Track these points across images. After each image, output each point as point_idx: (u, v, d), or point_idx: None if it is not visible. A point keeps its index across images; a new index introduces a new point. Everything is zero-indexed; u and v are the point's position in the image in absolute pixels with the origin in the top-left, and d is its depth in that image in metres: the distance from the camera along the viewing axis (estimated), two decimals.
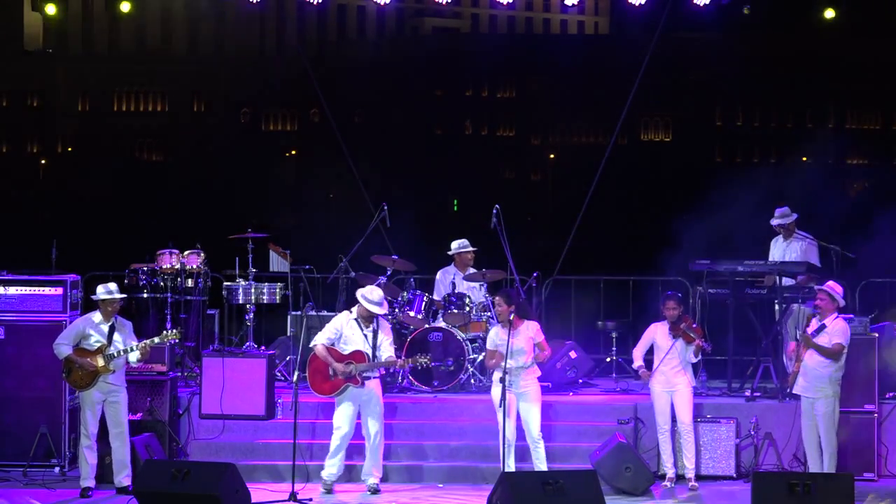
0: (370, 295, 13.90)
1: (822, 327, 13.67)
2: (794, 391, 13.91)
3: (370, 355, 13.78)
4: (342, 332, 13.88)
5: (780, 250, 16.15)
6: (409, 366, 14.72)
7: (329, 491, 13.86)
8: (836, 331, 13.66)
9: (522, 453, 13.96)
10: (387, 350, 13.89)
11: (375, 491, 13.84)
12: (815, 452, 13.80)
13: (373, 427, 13.86)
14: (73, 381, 13.82)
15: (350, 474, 14.22)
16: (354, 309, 13.96)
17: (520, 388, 13.65)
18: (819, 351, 13.60)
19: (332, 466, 13.91)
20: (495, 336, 13.81)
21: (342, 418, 13.86)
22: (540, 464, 13.72)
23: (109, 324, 13.81)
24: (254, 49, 74.82)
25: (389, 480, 14.48)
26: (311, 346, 14.04)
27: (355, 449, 14.19)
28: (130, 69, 72.20)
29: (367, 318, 13.88)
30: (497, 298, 13.90)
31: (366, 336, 13.82)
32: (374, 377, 13.91)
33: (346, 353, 13.80)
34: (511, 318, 13.53)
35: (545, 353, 13.82)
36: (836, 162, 63.32)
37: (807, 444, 13.88)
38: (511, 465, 13.63)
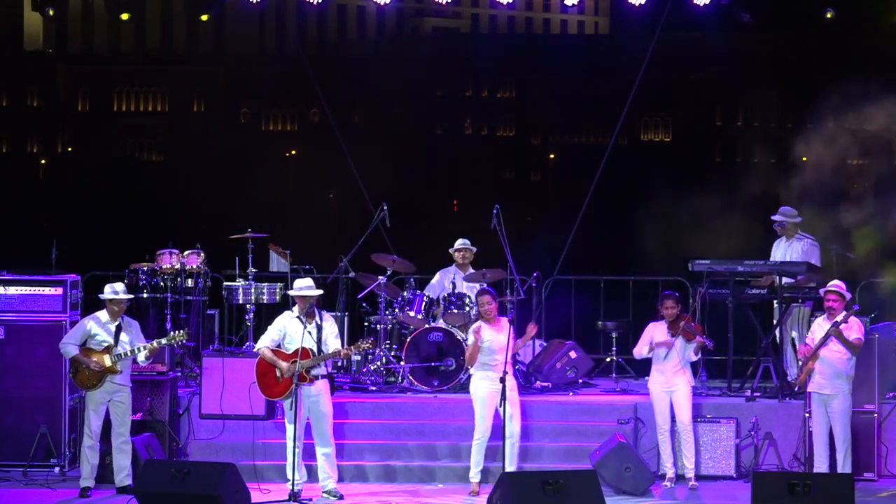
0: (299, 283, 13.80)
1: (835, 324, 13.67)
2: (808, 389, 13.89)
3: (315, 351, 13.58)
4: (286, 331, 13.69)
5: (782, 251, 16.15)
6: (354, 353, 14.47)
7: (296, 498, 13.45)
8: (854, 327, 13.72)
9: (494, 452, 13.85)
10: (333, 343, 13.65)
11: (339, 496, 13.64)
12: (824, 451, 13.80)
13: (321, 430, 13.66)
14: (79, 382, 13.83)
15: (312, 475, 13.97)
16: (296, 308, 13.80)
17: (510, 384, 13.66)
18: (846, 345, 13.60)
19: (293, 475, 13.47)
20: (485, 333, 13.80)
21: (291, 425, 13.56)
22: (512, 463, 13.69)
23: (116, 323, 13.83)
24: (254, 49, 74.78)
25: (388, 480, 14.51)
26: (255, 349, 13.95)
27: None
28: (130, 69, 72.20)
29: (309, 314, 13.66)
30: (486, 297, 13.90)
31: (309, 333, 13.58)
32: (322, 376, 13.67)
33: (290, 352, 13.61)
34: (511, 318, 13.62)
35: (522, 340, 13.98)
36: (836, 162, 63.22)
37: (816, 442, 13.88)
38: (480, 463, 13.77)
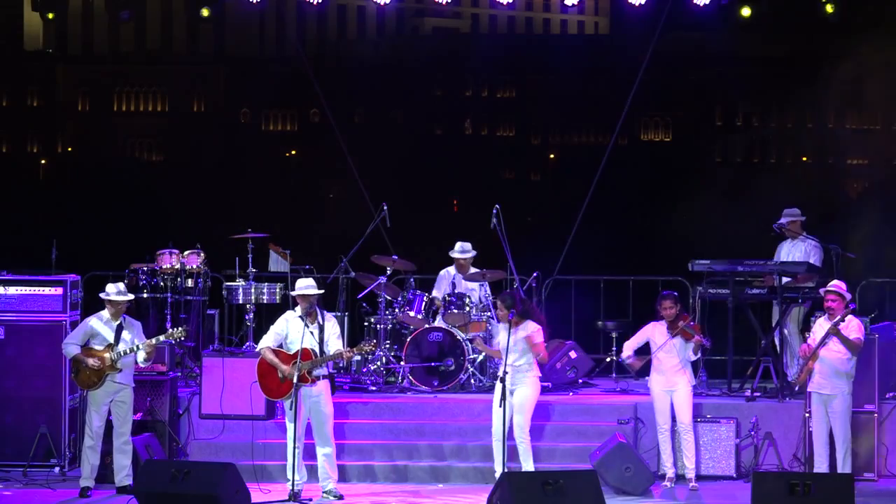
0: (300, 283, 13.77)
1: (835, 324, 13.66)
2: (808, 389, 13.88)
3: (317, 351, 13.56)
4: (288, 331, 13.66)
5: (786, 252, 16.17)
6: (356, 354, 14.34)
7: (296, 498, 13.45)
8: (852, 327, 13.73)
9: (513, 452, 13.81)
10: (334, 344, 13.62)
11: (338, 496, 13.62)
12: (824, 451, 13.81)
13: (321, 430, 13.63)
14: (80, 381, 13.84)
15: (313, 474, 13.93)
16: (298, 308, 13.76)
17: (511, 386, 13.63)
18: (845, 343, 13.60)
19: (293, 475, 13.48)
20: (495, 333, 13.85)
21: (292, 425, 13.53)
22: (526, 464, 13.68)
23: (117, 323, 13.84)
24: (253, 49, 74.83)
25: (388, 480, 14.51)
26: (256, 350, 13.93)
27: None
28: (130, 69, 72.27)
29: (311, 314, 13.64)
30: (497, 301, 13.93)
31: (312, 333, 13.56)
32: (324, 376, 13.64)
33: (292, 353, 13.57)
34: (511, 319, 13.57)
35: (540, 354, 13.80)
36: (836, 162, 63.31)
37: (816, 442, 13.89)
38: (502, 465, 13.59)
